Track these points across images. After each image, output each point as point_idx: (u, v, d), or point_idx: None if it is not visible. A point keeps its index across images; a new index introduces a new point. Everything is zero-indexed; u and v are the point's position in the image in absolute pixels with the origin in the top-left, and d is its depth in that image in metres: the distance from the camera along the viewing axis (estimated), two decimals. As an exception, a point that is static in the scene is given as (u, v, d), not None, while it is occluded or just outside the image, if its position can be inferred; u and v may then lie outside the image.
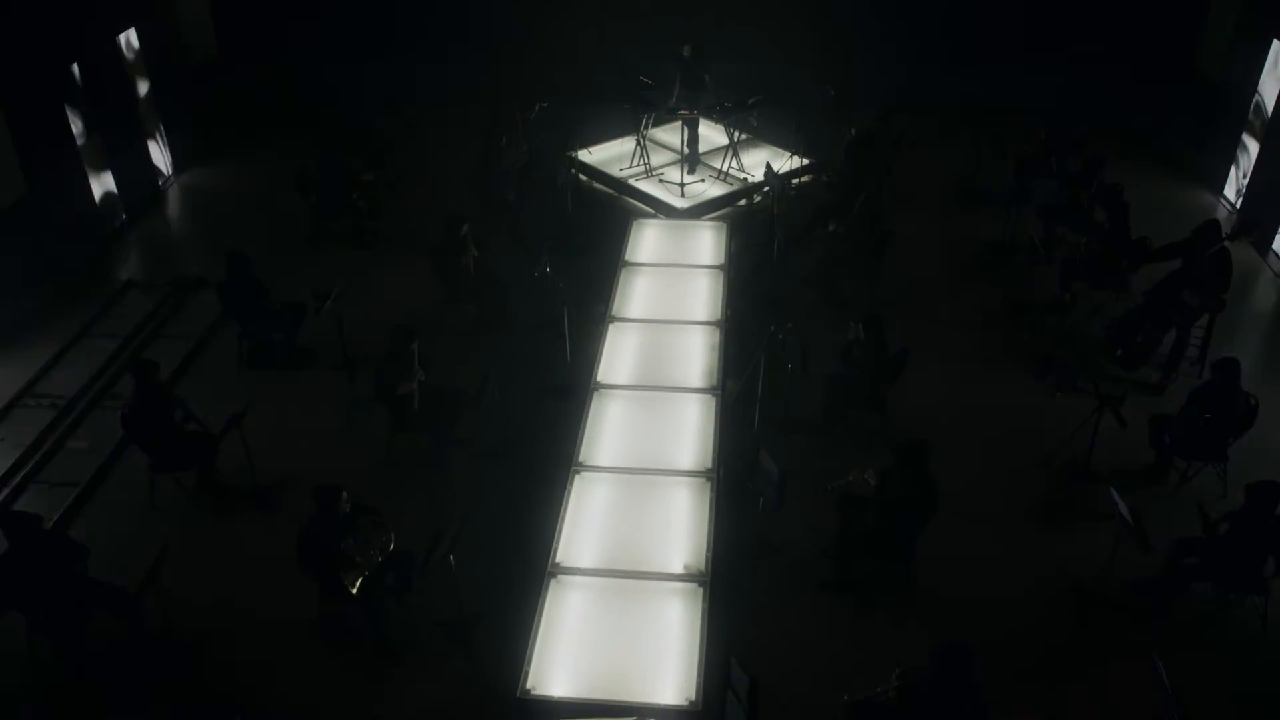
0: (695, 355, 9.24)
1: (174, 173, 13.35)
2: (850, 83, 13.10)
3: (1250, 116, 12.19)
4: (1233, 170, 12.54)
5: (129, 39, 12.24)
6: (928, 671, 5.47)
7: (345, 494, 6.47)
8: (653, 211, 12.22)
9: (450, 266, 9.63)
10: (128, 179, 12.08)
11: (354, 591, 6.41)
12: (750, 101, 12.16)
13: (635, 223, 11.53)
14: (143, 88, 12.57)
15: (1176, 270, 9.10)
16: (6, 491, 8.07)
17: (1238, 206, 12.19)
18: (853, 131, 11.82)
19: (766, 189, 11.73)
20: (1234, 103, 12.48)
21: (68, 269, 10.79)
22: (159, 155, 13.04)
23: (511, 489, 8.08)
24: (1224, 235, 9.01)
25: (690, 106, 12.14)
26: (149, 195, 12.65)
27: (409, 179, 12.39)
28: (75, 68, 11.00)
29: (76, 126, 11.05)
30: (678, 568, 7.09)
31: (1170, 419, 8.09)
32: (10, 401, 8.95)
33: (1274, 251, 11.35)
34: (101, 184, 11.65)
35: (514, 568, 7.28)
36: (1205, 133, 13.05)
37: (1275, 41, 11.74)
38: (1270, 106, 11.71)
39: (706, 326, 9.63)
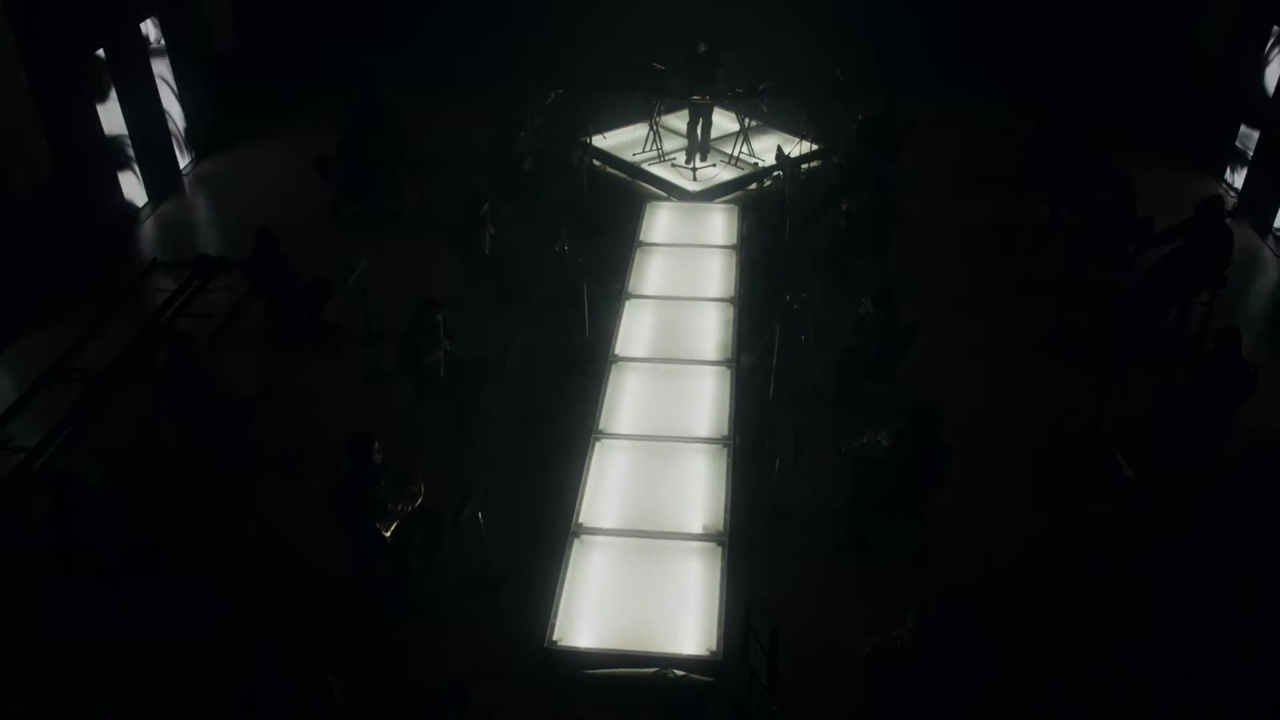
0: (710, 330, 9.49)
1: (196, 158, 13.59)
2: (859, 69, 13.31)
3: (1250, 103, 12.43)
4: (1233, 154, 12.76)
5: (151, 26, 12.48)
6: (940, 616, 5.70)
7: (377, 444, 6.69)
8: (665, 195, 12.45)
9: (470, 243, 9.86)
10: (150, 163, 12.33)
11: (387, 536, 6.63)
12: (761, 87, 12.39)
13: (649, 205, 11.78)
14: (165, 74, 12.80)
15: (1179, 247, 9.33)
16: (41, 462, 8.31)
17: (1239, 191, 12.41)
18: (861, 115, 12.05)
19: (778, 172, 11.96)
20: (1234, 89, 12.72)
21: (93, 250, 11.03)
22: (181, 140, 13.28)
23: (534, 456, 8.31)
24: (1225, 212, 9.24)
25: (702, 93, 12.35)
26: (172, 180, 12.89)
27: (428, 163, 12.66)
28: (101, 53, 11.24)
29: (102, 111, 11.28)
30: (697, 528, 7.34)
31: (1174, 388, 8.32)
32: (42, 376, 9.19)
33: (1274, 233, 11.59)
34: (125, 168, 11.89)
35: (537, 530, 7.50)
36: (1206, 119, 13.28)
37: (1275, 28, 11.97)
38: (1270, 92, 11.95)
39: (720, 303, 9.88)
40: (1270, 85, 12.02)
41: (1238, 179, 12.56)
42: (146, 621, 6.75)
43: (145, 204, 12.28)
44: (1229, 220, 9.25)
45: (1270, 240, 11.54)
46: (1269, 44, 12.11)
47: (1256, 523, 6.80)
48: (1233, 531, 6.85)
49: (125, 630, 6.74)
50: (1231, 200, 10.58)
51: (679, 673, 6.41)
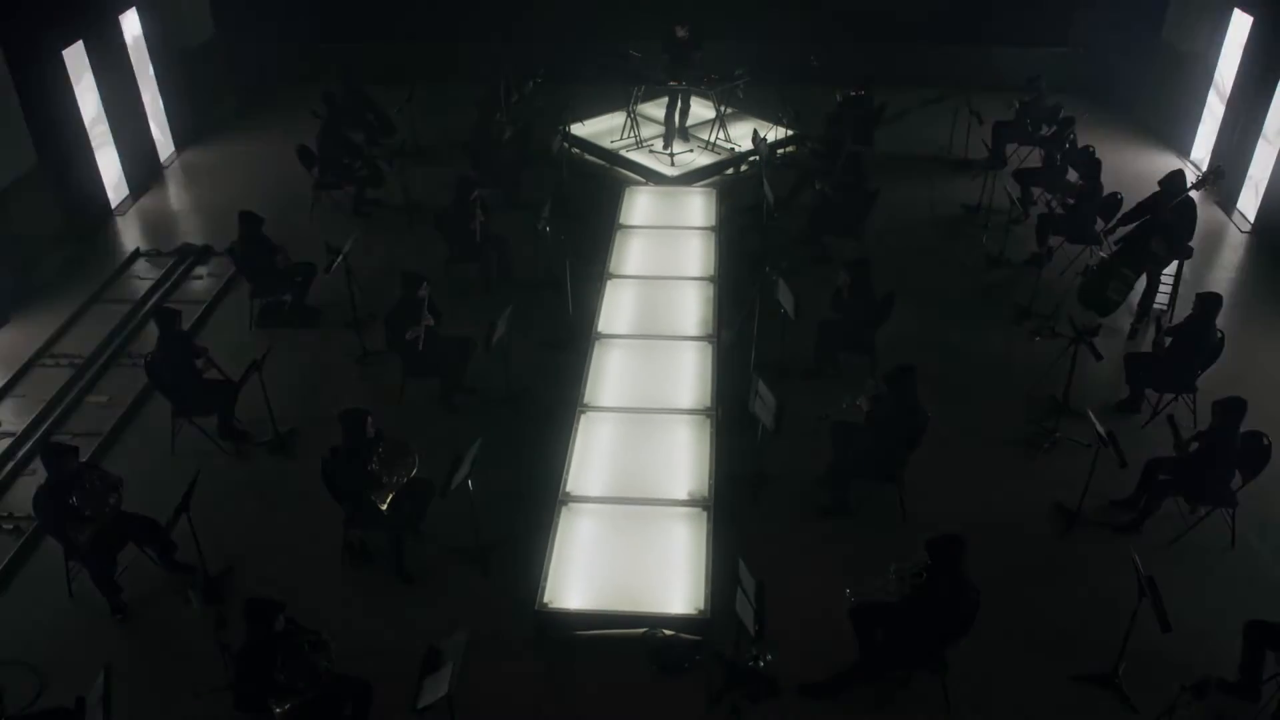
0: (690, 307, 9.66)
1: (176, 150, 13.63)
2: (834, 56, 13.54)
3: (1213, 84, 12.75)
4: (1198, 135, 13.08)
5: (130, 19, 12.53)
6: (923, 564, 5.88)
7: (370, 418, 6.80)
8: (644, 181, 12.60)
9: (459, 228, 9.97)
10: (131, 155, 12.37)
11: (384, 508, 6.74)
12: (736, 74, 12.56)
13: (628, 189, 11.93)
14: (143, 66, 12.84)
15: (1145, 221, 9.58)
16: (30, 444, 8.36)
17: (1201, 169, 12.73)
18: (840, 97, 12.26)
19: (754, 157, 12.15)
20: (1199, 71, 13.04)
21: (75, 241, 11.07)
22: (161, 133, 13.32)
23: (520, 430, 8.44)
24: (1188, 185, 9.50)
25: (679, 78, 12.52)
26: (153, 171, 12.93)
27: (409, 152, 12.79)
28: (81, 45, 11.27)
29: (82, 103, 11.32)
30: (682, 494, 7.49)
31: (1143, 355, 8.56)
32: (28, 361, 9.24)
33: (1238, 210, 11.90)
34: (106, 159, 11.93)
35: (525, 501, 7.65)
36: (1172, 100, 13.60)
37: (1235, 11, 12.29)
38: (1232, 74, 12.28)
39: (700, 281, 10.05)
40: (1230, 67, 12.34)
41: (1199, 154, 12.90)
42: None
43: (126, 196, 12.31)
44: (1191, 193, 9.50)
45: (1235, 216, 11.86)
46: (1228, 26, 12.43)
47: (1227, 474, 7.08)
48: (1206, 483, 7.14)
49: (123, 613, 6.83)
50: (1194, 175, 10.85)
51: (668, 632, 6.57)
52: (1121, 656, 6.26)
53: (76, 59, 11.25)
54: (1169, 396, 8.49)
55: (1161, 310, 9.79)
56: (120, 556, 6.86)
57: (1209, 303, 8.15)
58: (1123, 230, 9.78)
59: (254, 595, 5.78)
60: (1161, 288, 9.80)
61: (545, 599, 6.66)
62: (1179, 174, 9.56)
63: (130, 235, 11.69)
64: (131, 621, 6.82)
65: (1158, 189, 9.56)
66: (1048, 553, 7.39)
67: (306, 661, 5.57)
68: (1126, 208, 10.00)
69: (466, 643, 5.48)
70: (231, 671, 5.64)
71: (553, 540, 7.04)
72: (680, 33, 12.45)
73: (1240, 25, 12.20)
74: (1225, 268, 11.04)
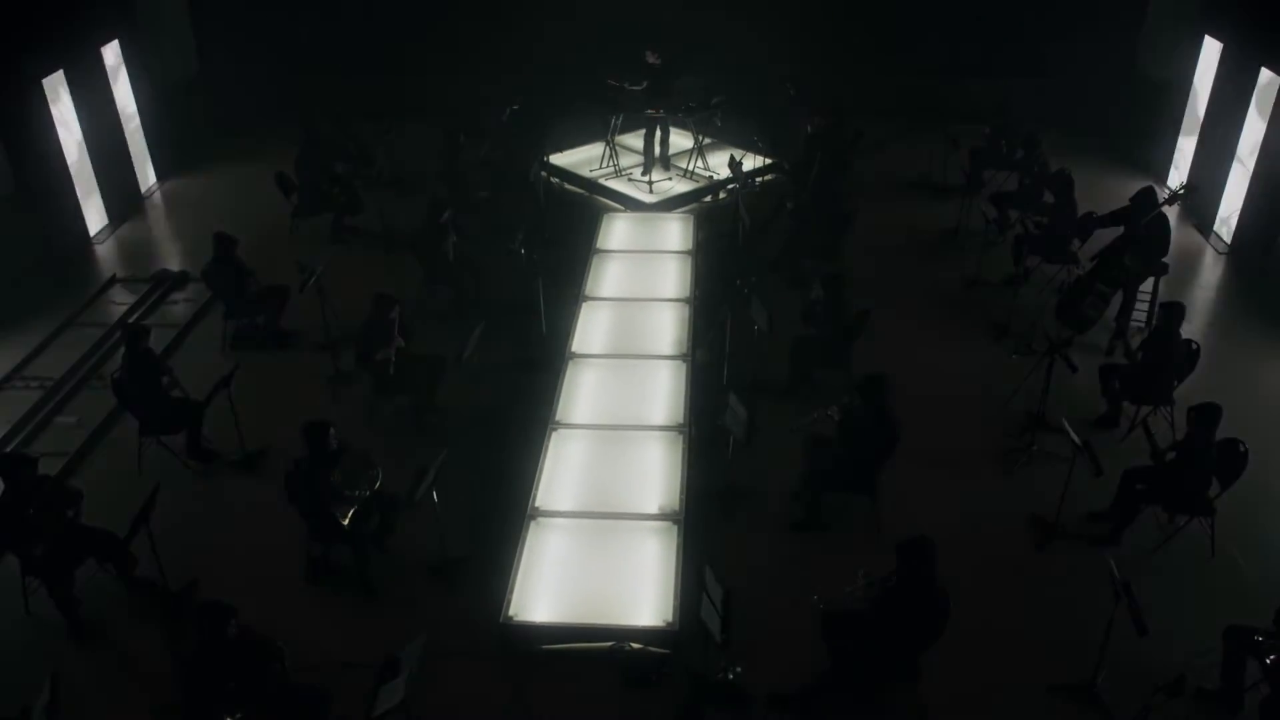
0: (666, 328, 9.62)
1: (158, 180, 13.67)
2: (811, 85, 13.66)
3: (1187, 109, 12.87)
4: (1174, 159, 13.17)
5: (114, 50, 12.63)
6: (893, 570, 5.77)
7: (333, 430, 6.72)
8: (622, 208, 12.63)
9: (431, 250, 9.96)
10: (111, 184, 12.40)
11: (346, 524, 6.63)
12: (713, 101, 12.66)
13: (606, 215, 11.96)
14: (125, 97, 12.92)
15: (1118, 236, 9.61)
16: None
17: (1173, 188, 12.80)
18: (809, 127, 12.35)
19: (732, 184, 12.19)
20: (1172, 97, 13.17)
21: (52, 268, 11.04)
22: (142, 162, 13.36)
23: (491, 448, 8.35)
24: (1159, 201, 9.54)
25: (657, 106, 12.60)
26: (132, 201, 12.96)
27: (388, 181, 12.82)
28: (61, 74, 11.34)
29: (62, 131, 11.36)
30: (653, 509, 7.39)
31: (1118, 367, 8.52)
32: (-1, 383, 9.18)
33: (1215, 232, 11.94)
34: (86, 187, 11.94)
35: (494, 516, 7.55)
36: (1147, 127, 13.72)
37: (1207, 38, 12.44)
38: (1205, 99, 12.40)
39: (676, 303, 10.02)
40: (1202, 92, 12.46)
41: (1174, 179, 12.98)
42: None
43: (105, 225, 12.31)
44: (1164, 208, 9.54)
45: (1213, 238, 11.89)
46: (1199, 52, 12.58)
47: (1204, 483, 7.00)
48: (1183, 493, 7.06)
49: (80, 636, 6.68)
50: (1165, 191, 10.91)
51: (635, 645, 6.44)
52: (1099, 666, 6.13)
53: (57, 88, 11.30)
54: (1147, 409, 8.43)
55: (1138, 326, 9.77)
56: (83, 574, 6.72)
57: (1172, 311, 8.16)
58: (1098, 234, 9.79)
59: (213, 602, 5.65)
60: (1139, 305, 9.80)
61: (510, 612, 6.53)
62: (1150, 190, 9.62)
63: (108, 262, 11.66)
64: (89, 638, 6.66)
65: (1129, 202, 9.61)
66: (1025, 565, 7.28)
67: (259, 670, 5.43)
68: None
69: (423, 648, 5.36)
70: (181, 680, 5.49)
71: (520, 554, 6.92)
72: (651, 59, 12.53)
73: (1211, 51, 12.34)
74: (1205, 287, 11.05)
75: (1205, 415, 6.95)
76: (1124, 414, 8.59)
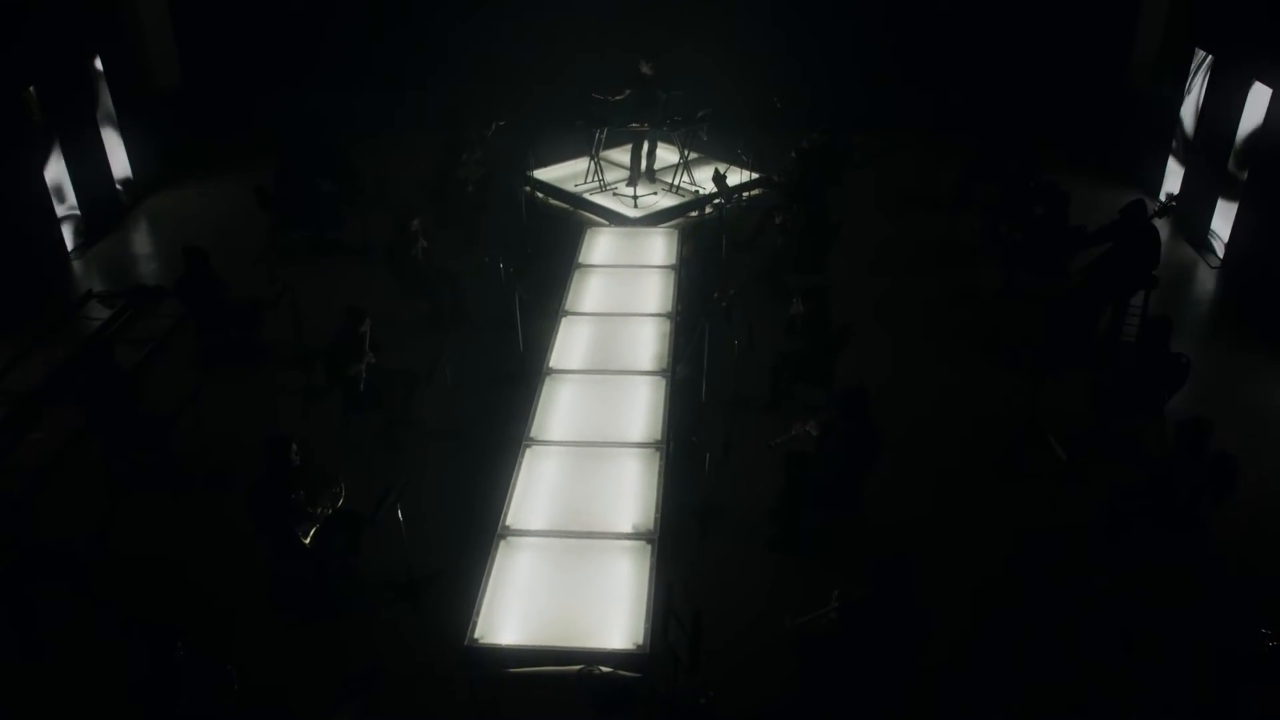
0: (646, 343, 9.42)
1: (138, 195, 13.54)
2: (799, 99, 13.57)
3: (1178, 123, 12.75)
4: (1166, 173, 13.04)
5: (96, 64, 12.53)
6: (867, 590, 5.58)
7: (295, 446, 6.54)
8: (606, 223, 12.49)
9: (402, 261, 9.81)
10: (91, 198, 12.26)
11: (306, 543, 6.44)
12: (699, 115, 12.53)
13: (589, 230, 11.80)
14: (108, 112, 12.81)
15: (1109, 250, 9.45)
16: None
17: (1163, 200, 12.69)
18: (805, 143, 12.23)
19: (718, 200, 12.05)
20: (1164, 111, 13.05)
21: (27, 283, 10.88)
22: (122, 177, 13.23)
23: (462, 464, 8.17)
24: (1149, 214, 9.39)
25: (643, 120, 12.48)
26: (111, 216, 12.81)
27: (372, 197, 12.68)
28: (41, 86, 11.23)
29: (40, 144, 11.23)
30: (627, 528, 7.18)
31: (1106, 379, 8.34)
32: (-34, 399, 9.00)
33: (1208, 247, 11.78)
34: (64, 202, 11.81)
35: (464, 535, 7.34)
36: (1139, 141, 13.59)
37: (1198, 51, 12.33)
38: (1195, 113, 12.28)
39: (657, 318, 9.84)
40: (1195, 106, 12.34)
41: (1165, 193, 12.85)
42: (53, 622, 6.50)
43: (83, 239, 12.17)
44: (1154, 220, 9.39)
45: (1206, 253, 11.74)
46: (1193, 67, 12.47)
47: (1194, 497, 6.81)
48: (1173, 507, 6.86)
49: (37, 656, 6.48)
50: (1155, 205, 10.77)
51: (605, 669, 6.22)
52: (1089, 687, 5.93)
53: (39, 99, 11.17)
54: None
55: (1129, 341, 9.60)
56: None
57: (1158, 326, 8.04)
58: (1087, 248, 9.65)
59: (160, 622, 5.46)
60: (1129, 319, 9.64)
61: (476, 634, 6.31)
62: (1139, 202, 9.46)
63: (85, 277, 11.51)
64: (44, 660, 6.45)
65: (1118, 215, 9.46)
66: (1014, 582, 7.06)
67: (209, 690, 5.24)
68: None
69: (378, 673, 5.17)
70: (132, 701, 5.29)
71: (488, 574, 6.71)
72: (645, 70, 12.43)
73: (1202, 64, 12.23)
74: (1198, 302, 10.89)
75: (1193, 430, 6.77)
76: (1115, 428, 8.39)
